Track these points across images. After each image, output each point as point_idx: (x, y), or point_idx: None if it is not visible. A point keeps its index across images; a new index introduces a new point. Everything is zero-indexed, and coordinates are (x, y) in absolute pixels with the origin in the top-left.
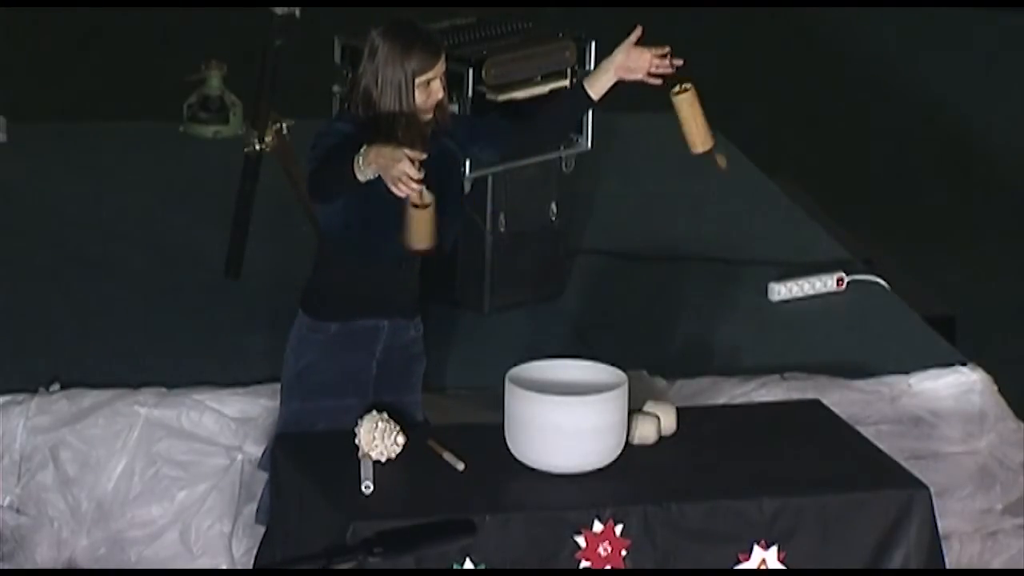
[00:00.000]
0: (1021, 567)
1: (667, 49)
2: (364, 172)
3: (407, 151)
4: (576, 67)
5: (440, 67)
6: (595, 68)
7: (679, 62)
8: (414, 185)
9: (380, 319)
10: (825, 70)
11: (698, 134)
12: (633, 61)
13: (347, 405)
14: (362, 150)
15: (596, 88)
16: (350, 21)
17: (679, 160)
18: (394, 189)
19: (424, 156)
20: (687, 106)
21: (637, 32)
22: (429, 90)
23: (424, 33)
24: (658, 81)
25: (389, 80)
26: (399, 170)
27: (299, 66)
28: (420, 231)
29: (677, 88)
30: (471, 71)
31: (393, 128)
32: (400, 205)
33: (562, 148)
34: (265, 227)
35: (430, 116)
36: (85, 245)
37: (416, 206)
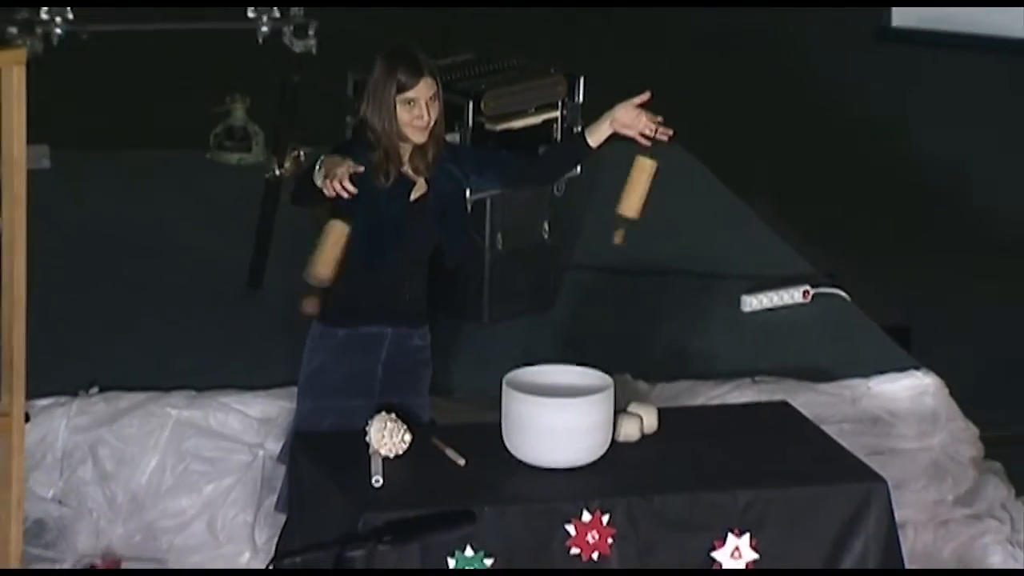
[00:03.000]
0: (971, 553)
1: (660, 118)
2: (317, 177)
3: (350, 163)
4: (566, 99)
5: (424, 89)
6: (598, 119)
7: (670, 132)
8: (341, 189)
9: (384, 326)
10: (793, 102)
11: (635, 202)
12: (630, 120)
13: (354, 404)
14: (320, 158)
15: (595, 137)
16: (362, 57)
17: (659, 185)
18: (324, 189)
19: (361, 169)
20: (643, 174)
21: (644, 96)
22: (414, 110)
23: (411, 56)
24: (647, 142)
25: (376, 95)
26: (333, 171)
27: (315, 99)
28: (323, 256)
29: (645, 155)
30: (471, 103)
31: (378, 140)
32: (401, 223)
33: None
34: (284, 244)
35: (422, 139)
36: (121, 261)
37: (326, 231)
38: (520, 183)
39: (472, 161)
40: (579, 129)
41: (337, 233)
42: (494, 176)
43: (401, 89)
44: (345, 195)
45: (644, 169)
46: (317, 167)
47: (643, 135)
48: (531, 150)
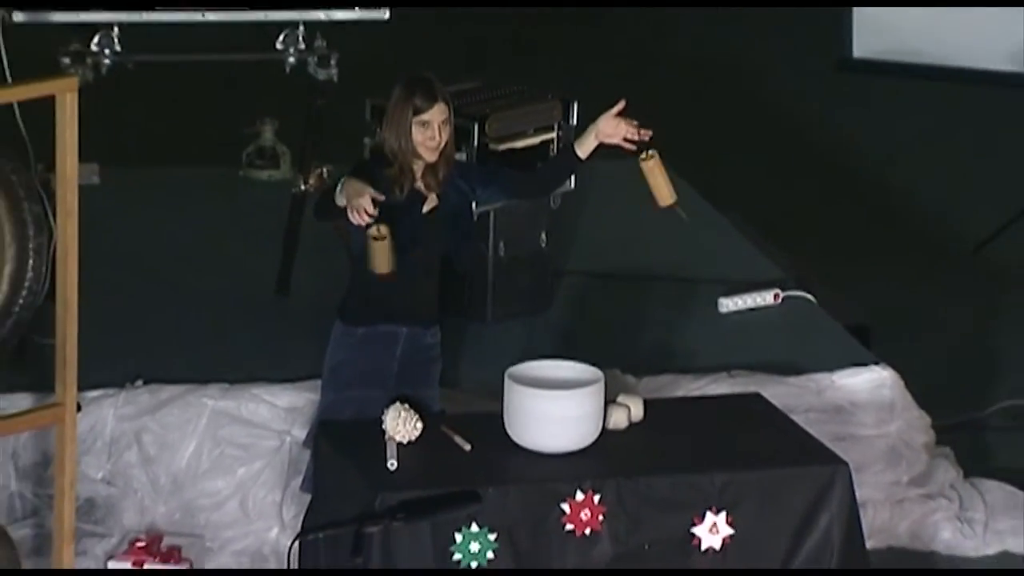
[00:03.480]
0: (924, 529)
1: (636, 122)
2: (339, 198)
3: (371, 190)
4: (561, 122)
5: (437, 113)
6: (583, 133)
7: (648, 132)
8: (366, 217)
9: (399, 325)
10: (764, 125)
11: (663, 192)
12: (611, 129)
13: (372, 395)
14: (342, 179)
15: (583, 150)
16: (379, 85)
17: (642, 200)
18: (351, 216)
19: (383, 198)
20: (653, 170)
21: (620, 105)
22: (427, 132)
23: (427, 83)
24: (632, 147)
25: (394, 117)
26: (357, 202)
27: (337, 121)
28: (379, 259)
29: (644, 155)
30: (476, 126)
31: (395, 157)
32: (415, 233)
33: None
34: (309, 253)
35: (434, 158)
36: (163, 267)
37: (375, 238)
38: (521, 195)
39: (478, 176)
40: (569, 144)
41: (384, 236)
42: (498, 189)
43: (417, 112)
44: (368, 220)
45: (652, 167)
46: (339, 188)
47: (626, 140)
48: (529, 166)
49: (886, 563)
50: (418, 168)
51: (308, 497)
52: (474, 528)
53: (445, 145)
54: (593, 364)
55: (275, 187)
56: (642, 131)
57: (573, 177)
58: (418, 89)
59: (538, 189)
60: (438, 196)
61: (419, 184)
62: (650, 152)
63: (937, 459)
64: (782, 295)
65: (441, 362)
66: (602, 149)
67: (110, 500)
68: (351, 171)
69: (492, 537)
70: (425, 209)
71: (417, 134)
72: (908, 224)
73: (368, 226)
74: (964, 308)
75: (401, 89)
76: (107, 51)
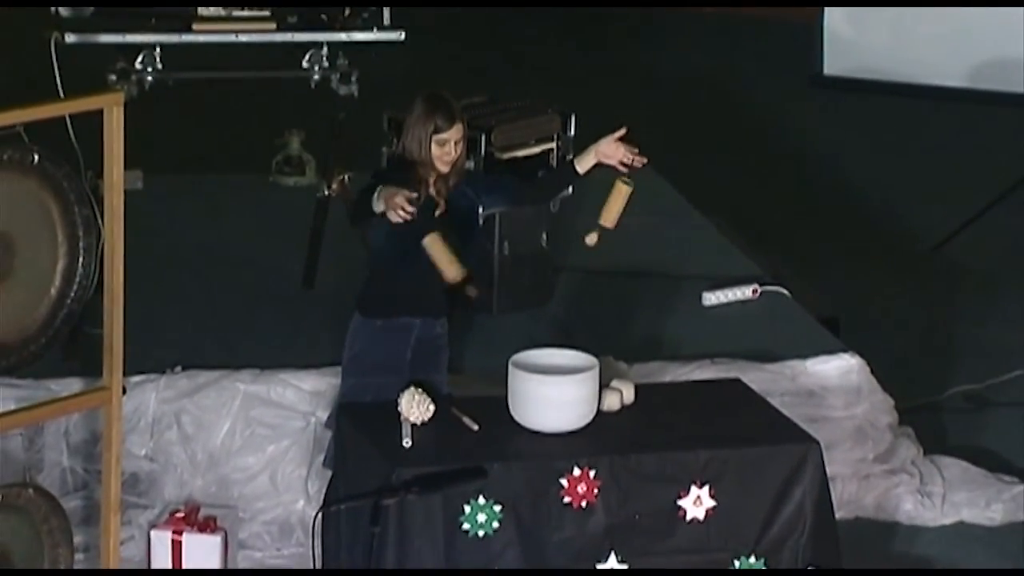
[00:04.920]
0: (888, 501)
1: (636, 149)
2: (377, 205)
3: (405, 191)
4: (560, 133)
5: (455, 132)
6: (585, 150)
7: (645, 160)
8: (405, 213)
9: (413, 317)
10: (743, 135)
11: (612, 215)
12: (611, 151)
13: (388, 381)
14: (378, 189)
15: (582, 165)
16: (396, 99)
17: (635, 203)
18: (391, 216)
19: (416, 195)
20: (620, 195)
21: (621, 131)
22: (444, 148)
23: (447, 103)
24: (625, 170)
25: (415, 131)
26: (394, 201)
27: (357, 132)
28: (442, 263)
29: (626, 179)
30: (483, 136)
31: (414, 168)
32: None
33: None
34: (331, 251)
35: (447, 170)
36: (201, 264)
37: (431, 245)
38: (522, 202)
39: (484, 184)
40: (570, 158)
41: (437, 242)
42: (501, 196)
43: (437, 131)
44: (408, 217)
45: (621, 191)
46: (376, 196)
47: (622, 163)
48: (531, 174)
49: (854, 532)
50: (431, 177)
51: (330, 472)
52: (481, 500)
53: (457, 159)
54: (589, 352)
55: (301, 192)
56: (638, 159)
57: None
58: (439, 109)
59: (538, 196)
60: (446, 202)
61: (431, 191)
62: (630, 179)
63: (900, 438)
64: (760, 290)
65: (448, 350)
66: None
67: (152, 475)
68: (374, 175)
69: (498, 509)
70: (436, 213)
71: (435, 149)
72: (873, 226)
73: (418, 234)
74: (924, 302)
75: (422, 105)
76: (150, 69)
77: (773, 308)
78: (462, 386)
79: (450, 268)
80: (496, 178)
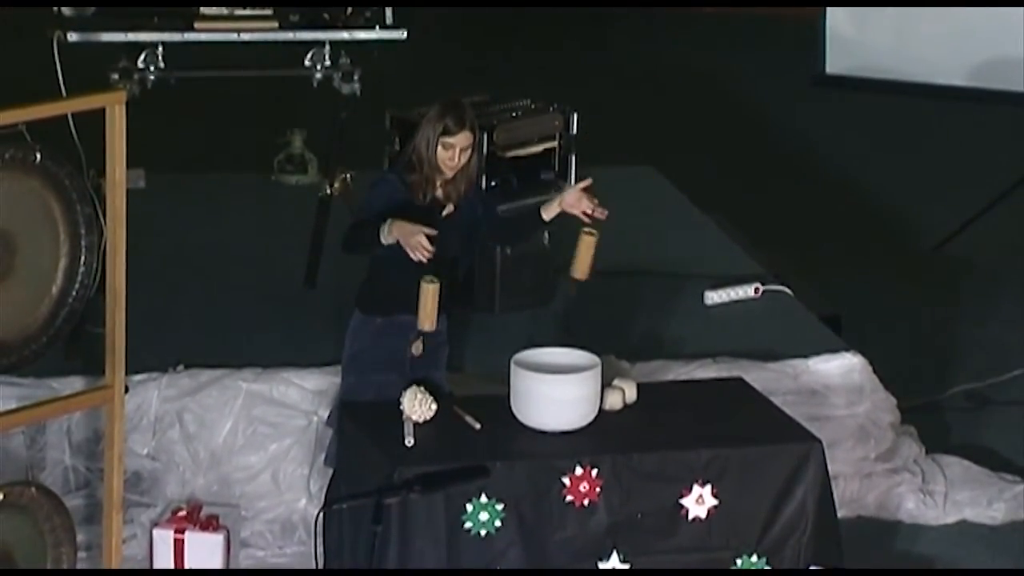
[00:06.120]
0: (890, 500)
1: (596, 200)
2: (387, 239)
3: (423, 228)
4: (562, 131)
5: (463, 139)
6: (550, 199)
7: (605, 212)
8: (426, 253)
9: (412, 315)
10: (746, 134)
11: (583, 266)
12: (575, 201)
13: (389, 379)
14: (387, 222)
15: (547, 213)
16: (398, 99)
17: (638, 202)
18: (412, 254)
19: (435, 232)
20: (587, 246)
21: (586, 183)
22: (449, 152)
23: (459, 108)
24: (588, 219)
25: (424, 131)
26: (414, 241)
27: (360, 132)
28: (425, 309)
29: (588, 231)
30: (486, 135)
31: (420, 165)
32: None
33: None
34: (333, 250)
35: (451, 175)
36: (203, 263)
37: (427, 284)
38: (492, 239)
39: (486, 208)
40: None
41: (432, 293)
42: (486, 223)
43: (444, 133)
44: (430, 256)
45: (587, 243)
46: (386, 230)
47: (584, 213)
48: (534, 172)
49: (855, 531)
50: (439, 178)
51: (332, 471)
52: (483, 499)
53: (465, 165)
54: (591, 351)
55: (303, 191)
56: (599, 210)
57: (572, 182)
58: (450, 113)
59: (506, 238)
60: (456, 206)
61: (439, 193)
62: (593, 231)
63: (902, 437)
64: (762, 289)
65: (447, 347)
66: (602, 157)
67: (154, 473)
68: (374, 185)
69: (500, 507)
70: (443, 214)
71: (441, 151)
72: (876, 224)
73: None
74: (926, 300)
75: (438, 107)
76: (152, 68)
77: (775, 307)
78: (463, 385)
79: (427, 321)
80: (492, 212)
